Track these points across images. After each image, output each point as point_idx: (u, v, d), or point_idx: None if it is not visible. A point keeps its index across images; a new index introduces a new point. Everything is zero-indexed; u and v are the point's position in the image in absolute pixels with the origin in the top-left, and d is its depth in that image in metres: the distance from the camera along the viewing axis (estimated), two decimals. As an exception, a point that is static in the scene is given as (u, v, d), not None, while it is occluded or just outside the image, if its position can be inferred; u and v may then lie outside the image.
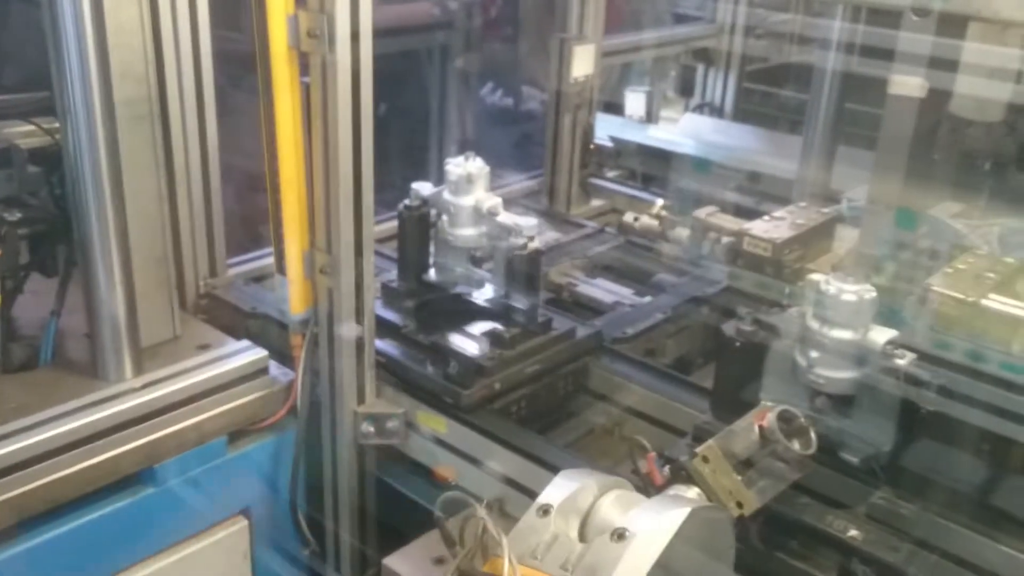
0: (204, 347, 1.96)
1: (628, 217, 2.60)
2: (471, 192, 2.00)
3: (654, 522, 1.11)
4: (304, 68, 1.78)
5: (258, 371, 1.94)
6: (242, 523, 1.96)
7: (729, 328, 1.73)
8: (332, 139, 1.76)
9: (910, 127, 1.65)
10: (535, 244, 1.94)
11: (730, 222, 2.19)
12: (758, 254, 1.81)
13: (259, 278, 2.38)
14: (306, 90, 1.79)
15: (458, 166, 1.99)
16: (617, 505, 1.21)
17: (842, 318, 1.55)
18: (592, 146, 3.23)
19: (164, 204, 1.92)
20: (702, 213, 2.24)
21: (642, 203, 2.78)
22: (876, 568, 1.46)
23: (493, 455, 1.85)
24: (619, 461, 2.04)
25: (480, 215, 2.00)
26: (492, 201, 1.98)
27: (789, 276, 1.81)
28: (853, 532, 1.50)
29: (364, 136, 1.79)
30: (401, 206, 2.08)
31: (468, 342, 1.93)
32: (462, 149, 2.06)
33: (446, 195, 2.03)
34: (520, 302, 1.97)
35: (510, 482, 1.81)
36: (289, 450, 1.98)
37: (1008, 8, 1.48)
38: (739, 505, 1.38)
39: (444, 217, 2.04)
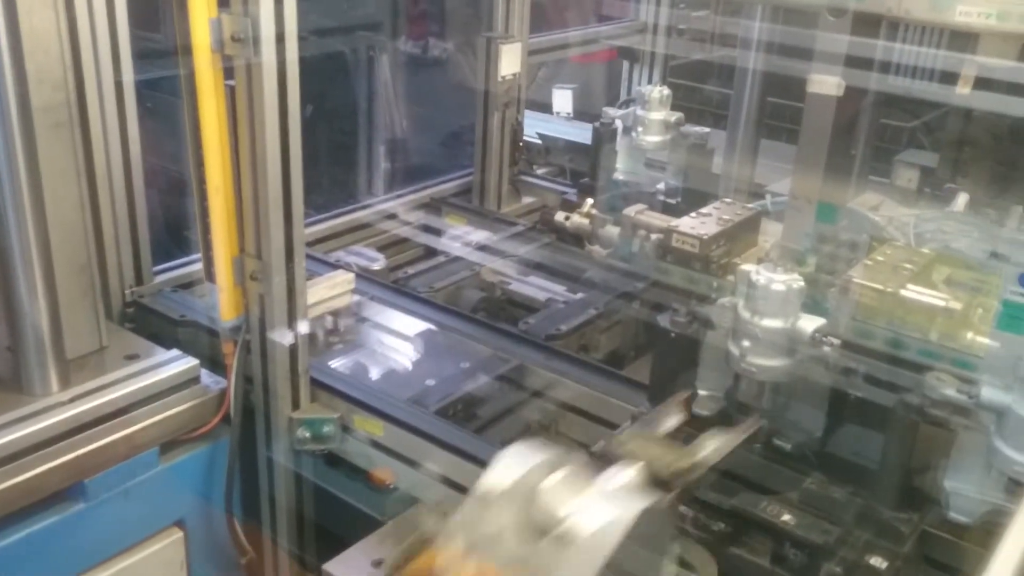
0: (132, 357, 1.92)
1: (559, 216, 2.63)
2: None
3: (599, 522, 1.08)
4: (228, 71, 1.76)
5: (189, 380, 1.91)
6: (177, 535, 1.93)
7: (664, 320, 1.77)
8: (259, 143, 1.74)
9: (829, 124, 1.70)
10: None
11: (658, 219, 2.23)
12: (686, 250, 1.85)
13: (187, 285, 2.34)
14: (231, 93, 1.77)
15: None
16: (564, 489, 1.15)
17: (772, 308, 1.59)
18: (521, 143, 3.26)
19: (86, 211, 1.88)
20: (631, 211, 2.27)
21: (572, 201, 2.80)
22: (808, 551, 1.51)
23: (430, 456, 1.85)
24: (556, 457, 2.06)
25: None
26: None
27: (716, 271, 1.84)
28: (786, 517, 1.54)
29: (292, 139, 1.78)
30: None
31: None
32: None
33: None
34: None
35: (448, 482, 1.82)
36: (223, 459, 1.95)
37: (918, 8, 1.53)
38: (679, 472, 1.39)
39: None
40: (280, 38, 1.69)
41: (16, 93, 1.60)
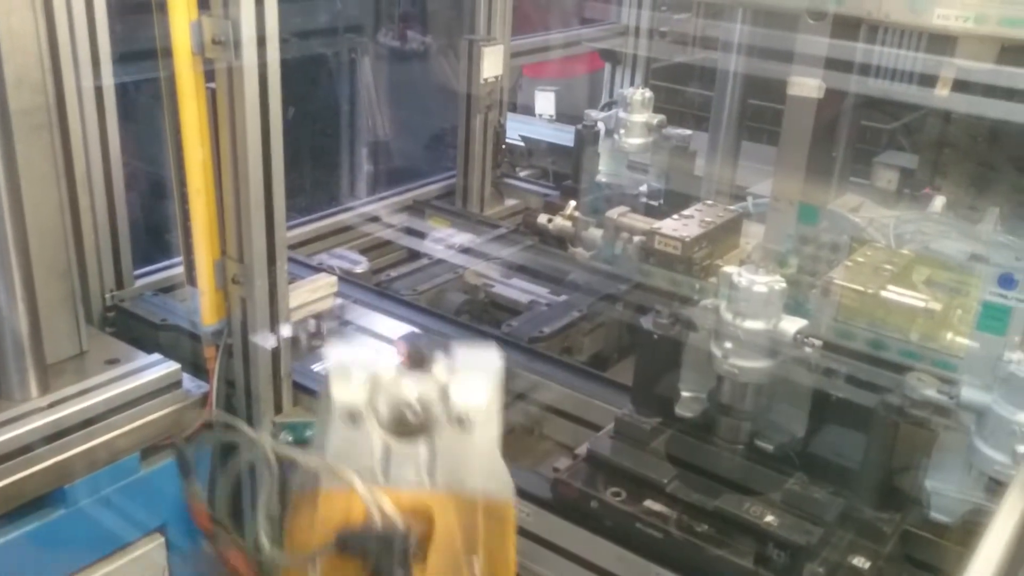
0: (113, 362, 1.90)
1: (542, 218, 2.63)
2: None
3: (479, 390, 0.99)
4: (209, 73, 1.75)
5: (170, 385, 1.89)
6: (158, 540, 1.91)
7: (647, 322, 1.77)
8: (240, 145, 1.74)
9: (809, 126, 1.71)
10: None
11: (641, 222, 2.23)
12: (668, 252, 1.85)
13: (168, 289, 2.32)
14: (212, 96, 1.76)
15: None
16: (410, 380, 1.02)
17: (754, 309, 1.60)
18: (503, 146, 3.26)
19: (66, 215, 1.86)
20: (614, 214, 2.28)
21: (554, 204, 2.81)
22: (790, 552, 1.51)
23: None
24: (540, 459, 2.07)
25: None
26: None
27: (699, 272, 1.85)
28: (769, 518, 1.55)
29: (273, 142, 1.77)
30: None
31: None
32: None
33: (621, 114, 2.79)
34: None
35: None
36: (205, 464, 1.94)
37: (897, 11, 1.55)
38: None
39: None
40: (261, 41, 1.68)
41: (-6, 96, 1.58)
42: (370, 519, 0.89)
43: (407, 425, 0.98)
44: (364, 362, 1.01)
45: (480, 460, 0.98)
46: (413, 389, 1.00)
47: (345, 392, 0.97)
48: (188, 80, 1.73)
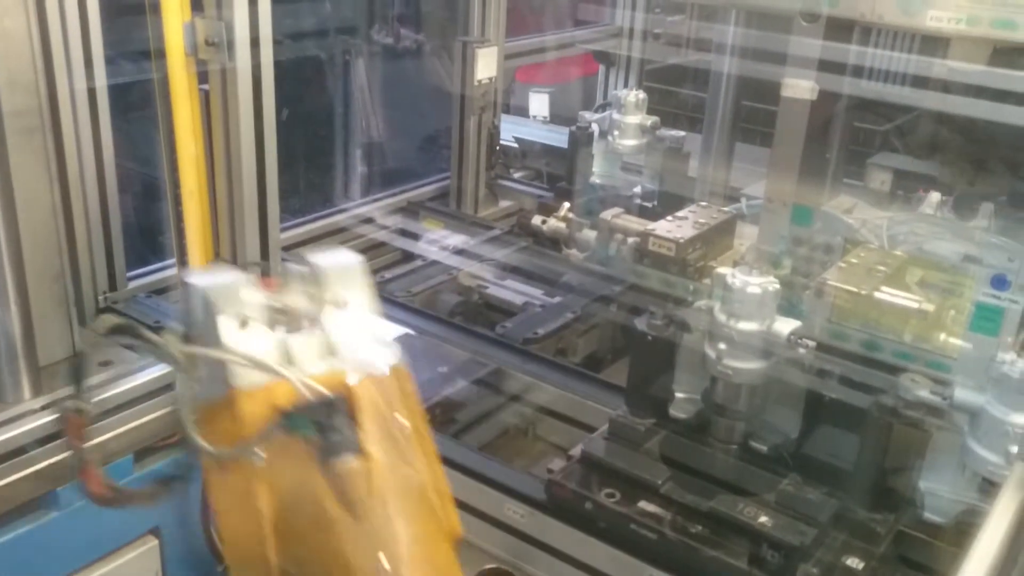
0: (106, 364, 1.90)
1: (536, 220, 2.63)
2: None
3: (346, 273, 0.99)
4: (203, 75, 1.75)
5: (163, 387, 1.89)
6: (152, 543, 1.90)
7: (641, 323, 1.78)
8: (234, 147, 1.73)
9: (803, 128, 1.72)
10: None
11: (635, 223, 2.23)
12: (662, 253, 1.86)
13: (162, 290, 2.31)
14: (205, 98, 1.75)
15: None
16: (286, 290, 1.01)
17: (748, 310, 1.60)
18: (497, 147, 3.26)
19: (59, 217, 1.86)
20: (608, 215, 2.28)
21: (548, 205, 2.81)
22: (784, 553, 1.52)
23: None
24: (534, 460, 2.07)
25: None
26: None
27: (693, 274, 1.86)
28: (763, 519, 1.55)
29: (267, 144, 1.77)
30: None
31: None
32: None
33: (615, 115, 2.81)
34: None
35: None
36: (199, 465, 1.93)
37: (890, 13, 1.55)
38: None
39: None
40: (255, 42, 1.68)
41: (-14, 97, 1.58)
42: (302, 397, 0.89)
43: (291, 323, 0.98)
44: (230, 277, 0.98)
45: (368, 334, 0.98)
46: (286, 295, 0.99)
47: (230, 304, 0.95)
48: (181, 81, 1.73)
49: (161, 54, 1.72)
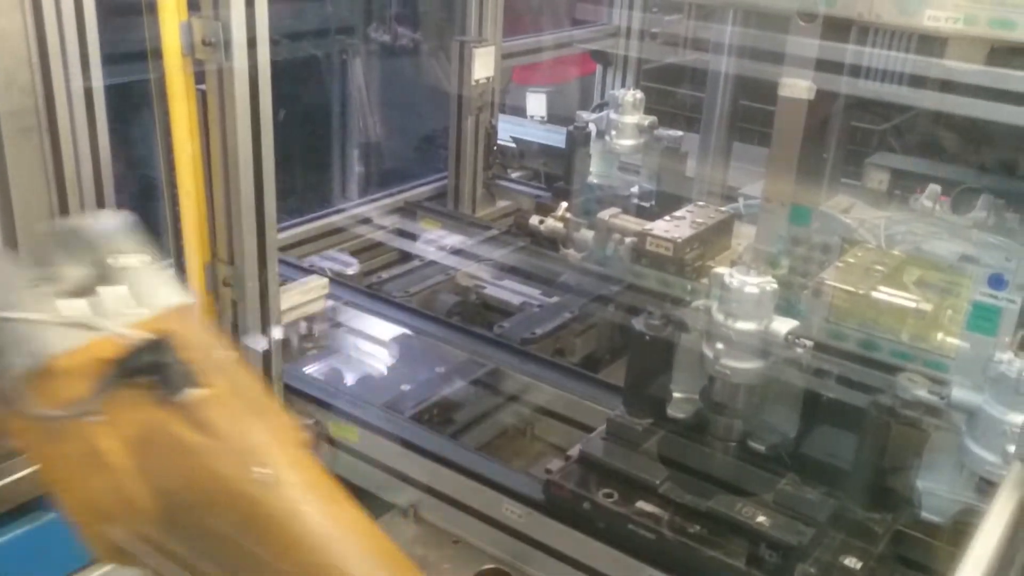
0: (103, 364, 1.89)
1: (533, 220, 2.63)
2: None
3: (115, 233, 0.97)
4: (199, 74, 1.74)
5: None
6: (150, 544, 1.90)
7: (639, 323, 1.77)
8: (231, 147, 1.73)
9: (800, 127, 1.72)
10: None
11: (633, 223, 2.23)
12: (660, 253, 1.85)
13: (158, 291, 2.31)
14: (202, 97, 1.75)
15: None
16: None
17: (745, 310, 1.60)
18: (495, 147, 3.26)
19: (56, 217, 1.85)
20: (605, 215, 2.27)
21: (546, 205, 2.81)
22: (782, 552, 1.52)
23: (406, 462, 1.84)
24: (532, 461, 2.07)
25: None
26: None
27: (690, 274, 1.85)
28: (761, 519, 1.55)
29: (264, 144, 1.76)
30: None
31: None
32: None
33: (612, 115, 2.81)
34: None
35: (426, 488, 1.81)
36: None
37: (887, 12, 1.55)
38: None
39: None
40: (252, 42, 1.68)
41: (-18, 98, 1.58)
42: (128, 345, 0.89)
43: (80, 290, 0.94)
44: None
45: (158, 279, 0.98)
46: (63, 268, 0.95)
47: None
48: (178, 81, 1.72)
49: (158, 54, 1.71)
